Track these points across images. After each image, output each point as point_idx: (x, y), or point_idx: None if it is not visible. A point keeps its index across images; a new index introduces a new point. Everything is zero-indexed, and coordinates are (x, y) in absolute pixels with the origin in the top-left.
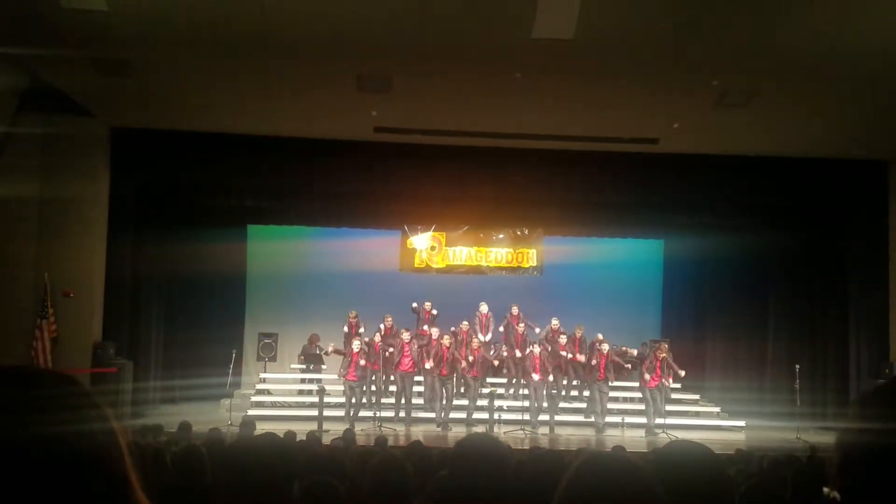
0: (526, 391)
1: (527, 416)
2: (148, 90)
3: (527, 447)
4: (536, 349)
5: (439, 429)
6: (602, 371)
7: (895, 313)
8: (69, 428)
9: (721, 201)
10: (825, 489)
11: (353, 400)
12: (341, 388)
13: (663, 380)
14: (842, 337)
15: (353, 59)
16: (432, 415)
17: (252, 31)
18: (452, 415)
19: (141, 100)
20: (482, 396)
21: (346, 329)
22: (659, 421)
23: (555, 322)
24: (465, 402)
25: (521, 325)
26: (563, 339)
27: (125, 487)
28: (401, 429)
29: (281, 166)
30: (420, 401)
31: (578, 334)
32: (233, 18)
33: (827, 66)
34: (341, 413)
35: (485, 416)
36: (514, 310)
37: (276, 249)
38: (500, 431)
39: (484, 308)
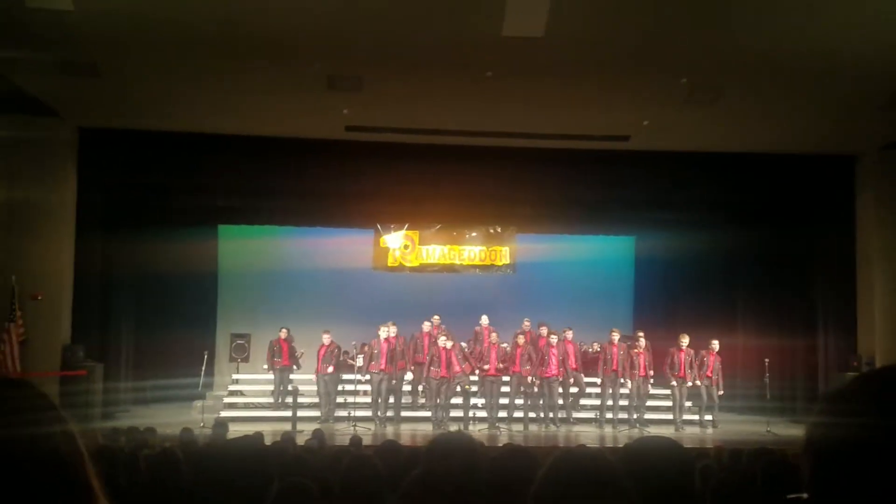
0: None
1: (503, 414)
2: (116, 90)
3: (500, 444)
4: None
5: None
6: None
7: (862, 307)
8: (23, 431)
9: (691, 198)
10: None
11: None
12: (314, 388)
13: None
14: (810, 331)
15: (324, 59)
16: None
17: (221, 31)
18: (454, 414)
19: (108, 100)
20: (457, 394)
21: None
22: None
23: (526, 323)
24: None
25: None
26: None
27: (87, 493)
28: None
29: (251, 165)
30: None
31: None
32: (202, 18)
33: (792, 63)
34: (315, 413)
35: (458, 413)
36: (484, 319)
37: (248, 249)
38: (473, 429)
39: (485, 320)
